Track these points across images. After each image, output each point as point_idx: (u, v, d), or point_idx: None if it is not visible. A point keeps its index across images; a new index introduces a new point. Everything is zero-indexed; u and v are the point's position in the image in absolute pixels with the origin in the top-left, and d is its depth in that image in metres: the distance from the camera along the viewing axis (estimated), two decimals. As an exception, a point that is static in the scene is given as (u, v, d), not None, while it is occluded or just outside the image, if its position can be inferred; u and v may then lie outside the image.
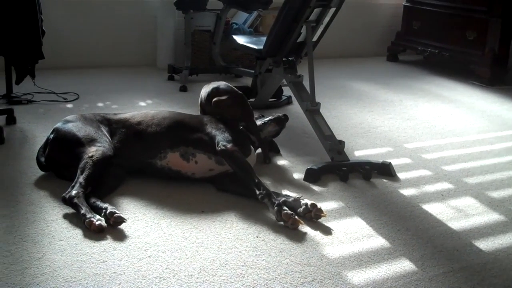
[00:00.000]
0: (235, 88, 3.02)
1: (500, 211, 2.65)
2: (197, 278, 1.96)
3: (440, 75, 5.55)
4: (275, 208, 2.38)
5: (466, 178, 3.01)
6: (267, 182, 2.78)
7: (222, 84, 3.02)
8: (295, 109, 3.36)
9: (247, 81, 4.57)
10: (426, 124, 3.94)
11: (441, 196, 2.77)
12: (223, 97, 2.92)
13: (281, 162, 3.11)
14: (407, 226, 2.45)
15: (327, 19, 3.65)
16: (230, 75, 5.01)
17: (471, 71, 5.32)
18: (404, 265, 2.14)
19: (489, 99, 4.76)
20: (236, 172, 2.62)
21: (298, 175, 2.92)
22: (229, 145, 2.64)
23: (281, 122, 3.11)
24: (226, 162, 2.65)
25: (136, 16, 5.24)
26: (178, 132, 2.73)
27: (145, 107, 3.99)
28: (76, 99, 4.08)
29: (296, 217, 2.35)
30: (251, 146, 2.87)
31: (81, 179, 2.40)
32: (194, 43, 5.06)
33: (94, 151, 2.52)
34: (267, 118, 3.10)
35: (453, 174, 3.06)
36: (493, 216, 2.59)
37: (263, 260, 2.11)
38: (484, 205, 2.70)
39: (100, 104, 4.00)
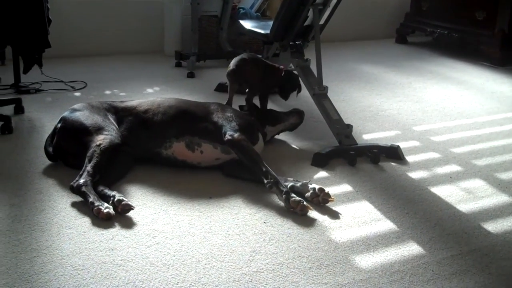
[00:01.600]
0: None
1: (509, 193, 2.63)
2: (205, 264, 1.97)
3: (450, 56, 5.50)
4: (284, 195, 2.38)
5: (475, 160, 2.99)
6: (274, 168, 2.77)
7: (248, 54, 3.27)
8: (303, 93, 3.34)
9: (255, 66, 4.54)
10: (435, 106, 3.92)
11: (450, 179, 2.76)
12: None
13: (289, 146, 3.11)
14: (415, 209, 2.44)
15: (334, 1, 3.61)
16: (238, 60, 4.98)
17: (481, 52, 5.27)
18: (412, 249, 2.13)
19: (499, 79, 4.72)
20: (243, 161, 2.61)
21: (306, 160, 2.91)
22: (236, 135, 2.63)
23: (302, 116, 3.16)
24: (233, 151, 2.65)
25: (142, 3, 5.23)
26: (184, 122, 2.72)
27: (153, 94, 3.99)
28: (84, 87, 4.09)
29: (304, 203, 2.35)
30: (259, 133, 2.87)
31: (89, 167, 2.41)
32: (201, 29, 5.04)
33: (101, 139, 2.53)
34: (289, 110, 3.17)
35: (462, 156, 3.04)
36: (502, 198, 2.58)
37: (271, 245, 2.11)
38: (493, 187, 2.69)
39: (107, 92, 4.01)
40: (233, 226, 2.24)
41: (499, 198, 2.58)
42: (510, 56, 5.16)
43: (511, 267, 2.05)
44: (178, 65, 4.84)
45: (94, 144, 2.50)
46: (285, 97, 3.24)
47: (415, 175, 2.79)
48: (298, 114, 3.14)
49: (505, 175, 2.82)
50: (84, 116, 2.68)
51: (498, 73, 4.92)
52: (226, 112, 2.79)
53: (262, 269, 1.96)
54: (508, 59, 5.14)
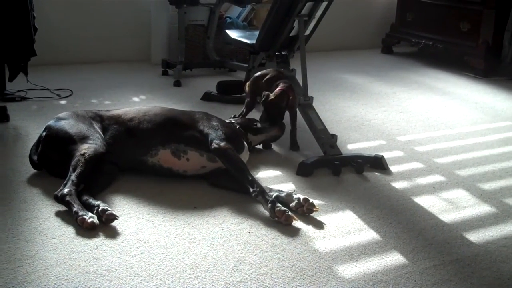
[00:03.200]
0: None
1: (491, 203, 2.66)
2: (189, 274, 1.97)
3: (434, 66, 5.55)
4: (269, 205, 2.39)
5: (458, 170, 3.02)
6: (259, 177, 2.79)
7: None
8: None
9: (241, 75, 4.57)
10: (419, 116, 3.95)
11: (433, 189, 2.79)
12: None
13: (274, 156, 3.12)
14: (398, 219, 2.46)
15: (319, 12, 3.65)
16: (224, 70, 5.01)
17: (465, 63, 5.33)
18: (395, 258, 2.15)
19: (483, 90, 4.78)
20: (229, 169, 2.62)
21: (291, 169, 2.93)
22: (222, 143, 2.64)
23: (283, 129, 3.17)
24: (219, 160, 2.66)
25: (129, 11, 5.23)
26: (170, 129, 2.73)
27: (139, 103, 4.00)
28: (70, 95, 4.08)
29: (289, 213, 2.36)
30: (245, 143, 2.88)
31: (73, 176, 2.41)
32: (187, 38, 5.06)
33: (86, 148, 2.53)
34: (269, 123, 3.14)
35: (445, 166, 3.08)
36: (484, 208, 2.61)
37: (255, 255, 2.12)
38: (475, 197, 2.72)
39: (93, 100, 4.01)
40: (218, 236, 2.24)
41: (481, 208, 2.61)
42: (494, 67, 5.22)
43: (492, 277, 2.07)
44: (165, 73, 4.85)
45: (79, 153, 2.50)
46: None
47: (398, 185, 2.82)
48: (279, 127, 3.15)
49: (487, 186, 2.85)
50: (69, 125, 2.67)
51: (481, 84, 4.98)
52: (211, 121, 2.81)
53: (246, 279, 1.97)
54: (492, 70, 5.20)
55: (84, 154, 2.50)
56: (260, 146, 3.18)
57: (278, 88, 3.11)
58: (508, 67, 5.18)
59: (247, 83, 3.41)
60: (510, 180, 2.95)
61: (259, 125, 3.11)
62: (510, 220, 2.50)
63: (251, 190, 2.48)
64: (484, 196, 2.73)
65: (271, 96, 3.06)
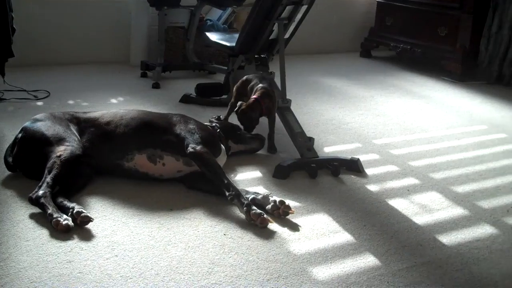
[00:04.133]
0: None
1: (464, 205, 2.70)
2: (164, 277, 1.98)
3: (412, 70, 5.61)
4: (244, 208, 2.40)
5: (432, 174, 3.06)
6: (237, 179, 2.80)
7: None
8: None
9: (220, 78, 4.58)
10: (396, 120, 4.00)
11: (407, 192, 2.82)
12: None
13: (251, 158, 3.14)
14: (373, 222, 2.49)
15: (299, 16, 3.68)
16: (204, 72, 5.02)
17: (442, 67, 5.39)
18: (368, 260, 2.18)
19: (459, 94, 4.84)
20: (205, 173, 2.63)
21: (267, 172, 2.94)
22: (198, 147, 2.65)
23: (262, 143, 3.20)
24: (195, 164, 2.67)
25: (109, 12, 5.22)
26: (146, 134, 2.73)
27: (116, 105, 3.99)
28: (47, 96, 4.06)
29: (265, 216, 2.38)
30: (222, 146, 2.89)
31: (48, 178, 2.40)
32: (167, 40, 5.06)
33: (62, 150, 2.52)
34: (251, 134, 3.16)
35: (419, 169, 3.12)
36: (457, 211, 2.65)
37: (230, 257, 2.13)
38: (448, 200, 2.76)
39: (71, 102, 3.99)
40: (193, 238, 2.25)
41: (454, 211, 2.65)
42: (471, 71, 5.29)
43: (464, 279, 2.11)
44: (144, 75, 4.84)
45: (55, 155, 2.49)
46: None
47: (373, 187, 2.85)
48: (259, 140, 3.19)
49: (460, 188, 2.90)
50: (45, 126, 2.66)
51: (458, 88, 5.04)
52: (188, 124, 2.81)
53: (221, 281, 1.98)
54: (469, 74, 5.27)
55: (60, 156, 2.49)
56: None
57: (252, 97, 3.08)
58: (485, 72, 5.25)
59: (236, 85, 3.39)
60: (483, 183, 3.00)
61: (242, 134, 3.12)
62: (482, 223, 2.54)
63: (227, 193, 2.49)
64: (457, 199, 2.77)
65: (243, 106, 3.05)
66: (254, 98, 3.06)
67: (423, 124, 3.94)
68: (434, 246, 2.32)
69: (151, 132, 2.74)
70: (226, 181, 2.53)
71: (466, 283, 2.08)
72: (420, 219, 2.54)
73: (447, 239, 2.38)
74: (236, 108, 3.08)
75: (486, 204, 2.74)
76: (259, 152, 3.21)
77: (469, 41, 5.25)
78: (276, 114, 3.25)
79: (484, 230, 2.48)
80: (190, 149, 2.65)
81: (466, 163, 3.25)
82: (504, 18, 5.11)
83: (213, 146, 2.76)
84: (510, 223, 2.56)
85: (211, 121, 3.19)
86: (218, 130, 3.00)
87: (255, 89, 3.14)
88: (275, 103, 3.18)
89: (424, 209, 2.65)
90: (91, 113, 2.91)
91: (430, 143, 3.55)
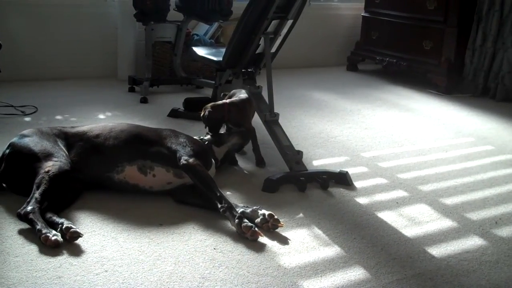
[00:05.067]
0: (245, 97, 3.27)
1: (452, 217, 2.72)
2: (154, 291, 1.97)
3: (398, 84, 5.65)
4: (236, 220, 2.40)
5: (420, 186, 3.08)
6: (225, 192, 2.80)
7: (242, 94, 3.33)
8: (255, 120, 3.39)
9: (208, 92, 4.59)
10: (383, 132, 4.02)
11: (396, 204, 2.83)
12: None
13: (240, 172, 3.14)
14: (362, 234, 2.50)
15: (285, 30, 3.69)
16: (192, 86, 5.03)
17: (428, 80, 5.43)
18: (358, 273, 2.18)
19: (445, 107, 4.88)
20: (198, 186, 2.63)
21: (256, 185, 2.94)
22: (191, 160, 2.66)
23: (245, 136, 3.17)
24: (188, 176, 2.67)
25: (96, 28, 5.22)
26: (136, 145, 2.73)
27: (104, 120, 3.98)
28: (35, 112, 4.04)
29: (255, 229, 2.38)
30: (212, 159, 2.90)
31: (37, 194, 2.39)
32: (155, 55, 5.06)
33: (50, 166, 2.51)
34: (231, 131, 3.15)
35: (408, 182, 3.13)
36: (446, 223, 2.66)
37: (220, 271, 2.13)
38: (437, 212, 2.77)
39: (58, 117, 3.97)
40: (183, 253, 2.24)
41: (443, 223, 2.66)
42: (456, 84, 5.34)
43: (453, 291, 2.12)
44: (131, 90, 4.84)
45: (43, 171, 2.48)
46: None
47: (362, 200, 2.86)
48: (239, 134, 3.14)
49: (449, 201, 2.91)
50: (33, 142, 2.65)
51: (444, 100, 5.09)
52: (179, 137, 2.82)
53: (211, 295, 1.98)
54: (454, 87, 5.32)
55: (48, 171, 2.48)
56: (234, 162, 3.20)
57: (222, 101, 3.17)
58: (470, 85, 5.30)
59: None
60: (471, 195, 3.02)
61: (221, 136, 3.12)
62: (471, 235, 2.56)
63: (219, 206, 2.49)
64: (446, 211, 2.78)
65: (208, 106, 3.09)
66: (223, 102, 3.10)
67: (411, 136, 3.97)
68: (424, 258, 2.33)
69: (141, 144, 2.74)
70: (218, 194, 2.54)
71: (456, 295, 2.09)
72: (410, 232, 2.55)
73: (437, 251, 2.39)
74: (203, 112, 3.11)
75: (475, 216, 2.75)
76: (248, 166, 3.22)
77: (454, 54, 5.31)
78: (265, 127, 3.26)
79: (473, 241, 2.49)
80: (183, 161, 2.65)
81: (454, 175, 3.28)
82: (488, 31, 5.18)
83: (205, 159, 2.77)
84: (499, 234, 2.58)
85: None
86: (206, 142, 3.01)
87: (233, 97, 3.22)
88: (245, 117, 3.19)
89: (413, 221, 2.66)
90: (79, 127, 2.90)
91: (418, 156, 3.57)
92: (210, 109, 3.12)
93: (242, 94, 3.32)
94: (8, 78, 4.37)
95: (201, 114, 3.14)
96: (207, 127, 3.15)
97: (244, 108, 3.23)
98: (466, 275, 2.22)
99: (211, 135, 3.12)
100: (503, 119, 4.55)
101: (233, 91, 3.44)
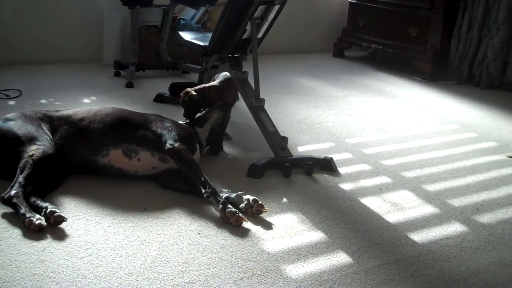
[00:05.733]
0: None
1: (435, 204, 2.75)
2: (137, 276, 1.98)
3: (384, 70, 5.67)
4: (220, 206, 2.41)
5: (403, 172, 3.11)
6: (210, 177, 2.80)
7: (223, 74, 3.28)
8: (241, 105, 3.40)
9: (194, 77, 4.58)
10: (368, 119, 4.04)
11: (379, 190, 2.86)
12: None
13: (225, 157, 3.15)
14: (345, 220, 2.52)
15: (271, 16, 3.69)
16: (178, 71, 5.01)
17: (414, 67, 5.45)
18: (341, 258, 2.21)
19: (430, 94, 4.91)
20: (183, 170, 2.64)
21: (241, 171, 2.95)
22: (176, 144, 2.66)
23: (224, 108, 3.08)
24: (173, 161, 2.67)
25: (82, 11, 5.17)
26: (121, 129, 2.73)
27: (89, 104, 3.96)
28: (19, 96, 4.01)
29: (239, 214, 2.39)
30: (197, 144, 2.90)
31: (20, 178, 2.38)
32: (141, 39, 5.03)
33: (34, 150, 2.50)
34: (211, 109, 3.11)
35: (391, 168, 3.16)
36: (428, 209, 2.69)
37: (204, 256, 2.14)
38: (420, 198, 2.80)
39: (43, 101, 3.95)
40: (167, 238, 2.25)
41: (426, 209, 2.69)
42: (441, 71, 5.37)
43: (434, 276, 2.15)
44: (117, 74, 4.81)
45: (27, 155, 2.47)
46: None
47: (346, 186, 2.88)
48: (220, 108, 3.05)
49: (432, 187, 2.94)
50: (17, 126, 2.64)
51: (429, 88, 5.11)
52: (165, 122, 2.82)
53: (195, 280, 1.99)
54: (439, 74, 5.35)
55: (32, 155, 2.47)
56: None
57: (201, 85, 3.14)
58: (455, 72, 5.33)
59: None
60: (454, 181, 3.05)
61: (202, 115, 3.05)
62: (453, 221, 2.59)
63: (203, 191, 2.50)
64: (428, 197, 2.82)
65: (190, 90, 3.06)
66: (202, 86, 3.10)
67: (395, 123, 3.99)
68: (405, 244, 2.36)
69: (126, 128, 2.73)
70: (203, 179, 2.54)
71: (437, 280, 2.12)
72: (392, 217, 2.58)
73: (419, 237, 2.42)
74: (183, 92, 3.07)
75: (457, 202, 2.79)
76: (233, 152, 3.22)
77: (439, 41, 5.33)
78: (250, 113, 3.26)
79: (454, 228, 2.53)
80: (168, 145, 2.65)
81: (437, 162, 3.31)
82: (473, 18, 5.20)
83: (190, 144, 2.78)
84: (480, 221, 2.61)
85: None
86: (191, 127, 2.99)
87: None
88: (223, 97, 3.12)
89: (395, 207, 2.69)
90: (63, 111, 2.89)
91: (402, 142, 3.60)
92: (195, 93, 3.07)
93: (221, 76, 3.26)
94: (-8, 61, 4.32)
95: (182, 99, 3.07)
96: (184, 112, 3.07)
97: (223, 89, 3.16)
98: (447, 260, 2.25)
99: (188, 119, 3.05)
100: (487, 106, 4.59)
101: (216, 75, 3.42)
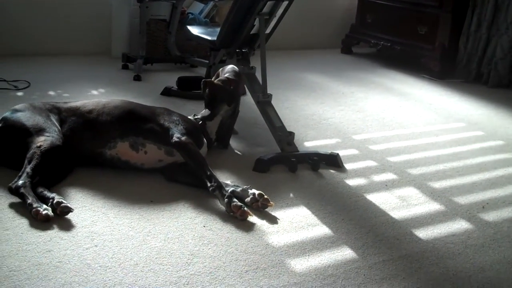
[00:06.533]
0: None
1: (440, 201, 2.75)
2: (143, 267, 1.99)
3: (392, 68, 5.66)
4: (225, 200, 2.42)
5: (410, 169, 3.11)
6: (216, 171, 2.81)
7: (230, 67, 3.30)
8: (248, 100, 3.41)
9: (202, 71, 4.59)
10: (375, 116, 4.04)
11: (385, 187, 2.86)
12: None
13: (231, 152, 3.16)
14: (351, 216, 2.52)
15: (280, 11, 3.69)
16: (185, 65, 5.02)
17: (422, 65, 5.44)
18: (345, 253, 2.21)
19: (438, 92, 4.90)
20: (189, 164, 2.65)
21: (247, 165, 2.96)
22: (183, 138, 2.67)
23: (231, 97, 3.06)
24: (179, 154, 2.68)
25: (91, 4, 5.19)
26: (129, 122, 2.74)
27: (97, 96, 3.98)
28: (27, 87, 4.03)
29: (245, 208, 2.40)
30: (204, 139, 2.91)
31: (28, 169, 2.39)
32: (149, 32, 5.05)
33: (42, 141, 2.52)
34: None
35: (397, 165, 3.16)
36: (433, 206, 2.69)
37: (209, 249, 2.15)
38: (425, 195, 2.80)
39: (51, 93, 3.97)
40: (173, 230, 2.27)
41: (431, 206, 2.69)
42: (450, 69, 5.36)
43: (438, 272, 2.15)
44: (125, 67, 4.83)
45: (35, 146, 2.49)
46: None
47: (352, 182, 2.88)
48: (225, 100, 3.02)
49: (437, 184, 2.94)
50: (25, 117, 2.65)
51: (437, 85, 5.10)
52: (172, 115, 2.83)
53: (200, 272, 2.00)
54: (447, 72, 5.34)
55: (40, 146, 2.49)
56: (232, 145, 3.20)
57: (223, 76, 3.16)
58: (463, 70, 5.32)
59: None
60: (460, 179, 3.05)
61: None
62: (458, 218, 2.59)
63: (209, 184, 2.51)
64: (434, 195, 2.81)
65: (218, 79, 3.08)
66: (226, 77, 3.11)
67: (402, 120, 3.99)
68: (410, 240, 2.36)
69: (134, 120, 2.74)
70: (208, 173, 2.55)
71: (441, 277, 2.12)
72: (397, 214, 2.58)
73: (424, 233, 2.42)
74: (208, 81, 3.07)
75: (463, 200, 2.79)
76: (240, 146, 3.23)
77: (448, 39, 5.31)
78: (257, 108, 3.27)
79: (459, 225, 2.53)
80: (175, 139, 2.66)
81: (444, 159, 3.30)
82: (483, 17, 5.18)
83: (197, 138, 2.79)
84: (485, 219, 2.61)
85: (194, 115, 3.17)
86: (200, 122, 3.00)
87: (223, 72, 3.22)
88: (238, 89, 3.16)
89: (401, 204, 2.69)
90: (72, 103, 2.90)
91: (409, 140, 3.60)
92: (221, 83, 3.04)
93: (229, 69, 3.26)
94: (2, 52, 4.36)
95: (206, 90, 3.03)
96: (206, 103, 3.04)
97: (237, 82, 3.19)
98: (451, 257, 2.25)
99: (208, 111, 3.01)
100: (495, 105, 4.58)
101: (221, 68, 3.41)
